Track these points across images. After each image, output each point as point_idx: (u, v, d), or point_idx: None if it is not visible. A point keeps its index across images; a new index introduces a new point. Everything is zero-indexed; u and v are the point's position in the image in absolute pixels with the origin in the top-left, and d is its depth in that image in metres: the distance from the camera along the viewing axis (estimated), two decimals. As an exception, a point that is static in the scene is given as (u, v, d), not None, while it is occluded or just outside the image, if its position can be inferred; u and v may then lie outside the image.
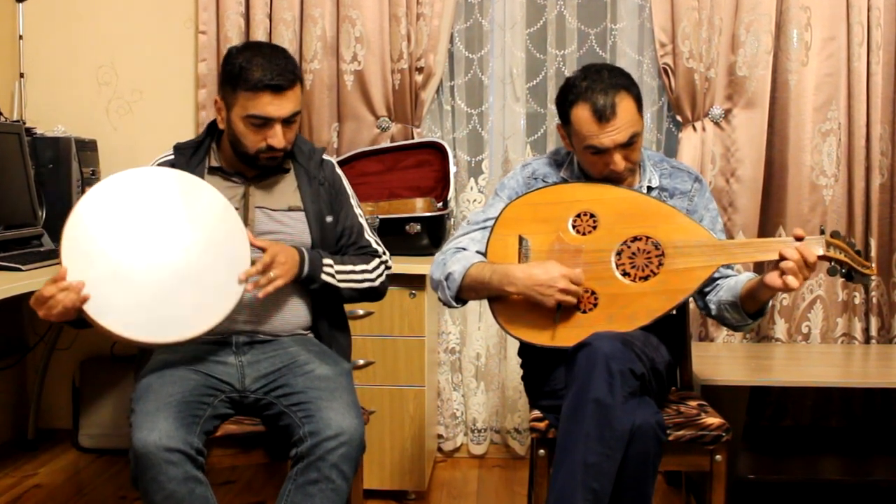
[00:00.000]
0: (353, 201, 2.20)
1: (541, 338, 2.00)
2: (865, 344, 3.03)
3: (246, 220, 2.03)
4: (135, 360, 2.09)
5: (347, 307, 2.22)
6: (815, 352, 2.94)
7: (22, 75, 3.26)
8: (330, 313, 2.14)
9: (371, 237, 2.19)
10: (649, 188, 2.14)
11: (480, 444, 3.25)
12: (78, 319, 1.79)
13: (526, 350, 2.18)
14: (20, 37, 3.26)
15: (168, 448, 1.72)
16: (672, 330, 2.19)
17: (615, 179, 2.06)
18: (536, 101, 3.21)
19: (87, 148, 3.05)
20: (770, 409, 3.10)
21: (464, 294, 2.09)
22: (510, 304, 2.03)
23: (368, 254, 2.16)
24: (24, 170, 2.79)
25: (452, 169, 3.02)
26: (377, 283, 2.14)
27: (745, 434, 2.88)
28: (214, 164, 2.08)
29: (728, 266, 2.11)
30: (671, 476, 2.94)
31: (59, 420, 3.37)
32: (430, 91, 3.10)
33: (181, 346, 1.91)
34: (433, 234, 2.88)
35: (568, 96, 2.04)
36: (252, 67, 1.94)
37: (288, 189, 2.11)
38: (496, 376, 3.23)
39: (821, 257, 1.88)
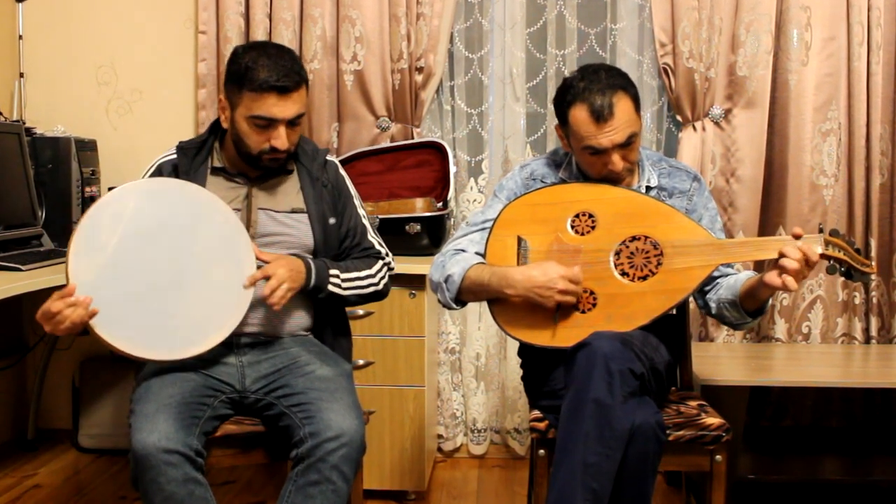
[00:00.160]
0: (357, 202, 2.19)
1: (540, 338, 2.00)
2: (865, 344, 3.03)
3: (248, 222, 2.03)
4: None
5: (348, 308, 2.22)
6: (815, 352, 2.94)
7: (22, 75, 3.26)
8: (331, 315, 2.14)
9: (374, 238, 2.18)
10: (648, 188, 2.14)
11: (480, 444, 3.24)
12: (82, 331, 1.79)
13: (525, 350, 2.18)
14: (20, 37, 3.26)
15: (167, 450, 1.72)
16: (672, 330, 2.19)
17: (613, 179, 2.06)
18: (536, 101, 3.20)
19: (87, 148, 3.05)
20: (770, 409, 3.10)
21: (463, 296, 2.09)
22: (509, 306, 2.03)
23: (371, 255, 2.16)
24: (23, 170, 2.79)
25: (452, 169, 3.02)
26: (381, 286, 2.14)
27: (745, 434, 2.88)
28: (217, 164, 2.07)
29: (728, 265, 2.11)
30: (671, 476, 2.94)
31: (58, 420, 3.37)
32: (430, 91, 3.10)
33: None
34: (433, 234, 2.88)
35: (565, 97, 2.04)
36: (258, 68, 1.92)
37: (291, 190, 2.10)
38: (496, 376, 3.23)
39: (820, 256, 1.87)
